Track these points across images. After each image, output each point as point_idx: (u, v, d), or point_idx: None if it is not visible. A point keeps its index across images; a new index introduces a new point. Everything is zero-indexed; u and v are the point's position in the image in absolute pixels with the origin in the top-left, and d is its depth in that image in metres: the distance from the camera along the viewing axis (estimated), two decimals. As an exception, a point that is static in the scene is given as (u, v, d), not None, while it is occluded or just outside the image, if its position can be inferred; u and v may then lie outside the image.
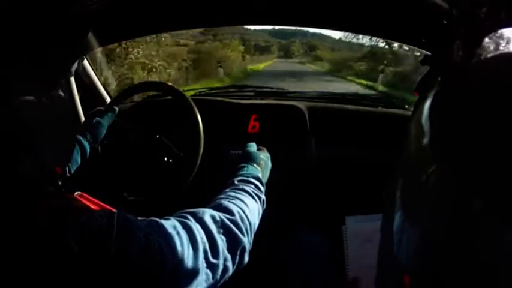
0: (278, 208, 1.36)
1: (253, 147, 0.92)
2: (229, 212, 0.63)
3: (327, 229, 0.97)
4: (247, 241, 0.63)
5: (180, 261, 0.50)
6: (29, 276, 0.41)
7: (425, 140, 0.28)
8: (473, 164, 0.24)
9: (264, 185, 0.81)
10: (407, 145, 0.31)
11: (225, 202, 0.66)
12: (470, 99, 0.28)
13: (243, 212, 0.65)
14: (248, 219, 0.65)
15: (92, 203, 0.69)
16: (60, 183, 0.53)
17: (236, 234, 0.60)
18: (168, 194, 1.07)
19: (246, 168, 0.82)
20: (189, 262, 0.51)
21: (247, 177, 0.79)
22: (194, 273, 0.51)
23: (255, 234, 0.68)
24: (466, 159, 0.25)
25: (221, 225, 0.59)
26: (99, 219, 0.45)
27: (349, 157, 1.33)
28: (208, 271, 0.54)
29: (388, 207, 0.33)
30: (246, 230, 0.63)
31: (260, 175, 0.83)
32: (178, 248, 0.50)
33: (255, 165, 0.85)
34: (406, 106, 1.51)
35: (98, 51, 1.44)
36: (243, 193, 0.72)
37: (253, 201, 0.72)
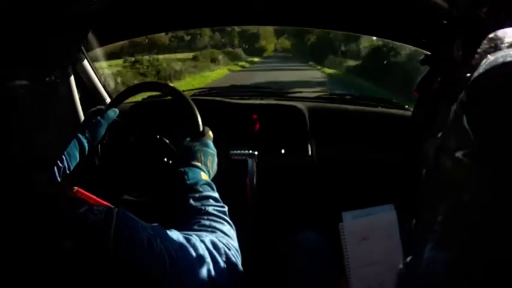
0: (278, 208, 1.36)
1: (186, 141, 0.86)
2: (220, 244, 0.62)
3: (326, 229, 0.97)
4: (241, 269, 0.63)
5: (185, 267, 0.50)
6: (20, 267, 0.40)
7: (469, 151, 0.27)
8: None
9: (214, 186, 0.76)
10: (443, 157, 0.30)
11: (211, 236, 0.63)
12: None
13: (228, 243, 0.65)
14: (235, 248, 0.65)
15: (88, 198, 0.68)
16: (59, 179, 0.52)
17: (236, 264, 0.61)
18: (168, 194, 1.07)
19: (186, 176, 0.75)
20: (194, 269, 0.51)
21: (198, 191, 0.73)
22: (199, 281, 0.52)
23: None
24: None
25: (224, 252, 0.60)
26: (97, 214, 0.44)
27: (349, 157, 1.33)
28: (211, 285, 0.54)
29: (425, 224, 0.31)
30: (238, 257, 0.64)
31: (203, 174, 0.77)
32: (182, 254, 0.51)
33: (194, 163, 0.79)
34: (406, 106, 1.51)
35: (98, 51, 1.44)
36: (213, 218, 0.69)
37: (226, 225, 0.70)
